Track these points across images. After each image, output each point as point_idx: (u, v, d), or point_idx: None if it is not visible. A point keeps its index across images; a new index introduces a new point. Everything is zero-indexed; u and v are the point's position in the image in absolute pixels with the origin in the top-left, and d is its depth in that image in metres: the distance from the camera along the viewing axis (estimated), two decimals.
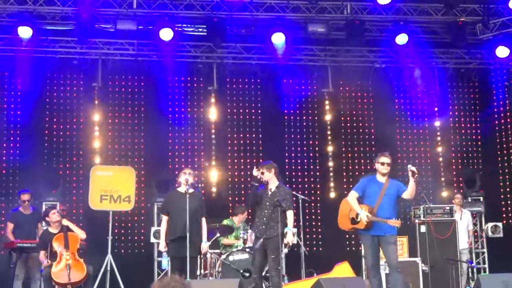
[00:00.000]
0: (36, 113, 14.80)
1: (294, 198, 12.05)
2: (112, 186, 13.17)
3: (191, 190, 10.11)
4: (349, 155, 16.04)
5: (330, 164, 15.91)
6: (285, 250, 11.48)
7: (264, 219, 9.98)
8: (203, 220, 10.28)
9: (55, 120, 15.09)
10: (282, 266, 12.85)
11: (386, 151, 10.19)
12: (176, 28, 14.20)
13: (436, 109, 16.16)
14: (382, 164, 9.77)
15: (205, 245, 10.21)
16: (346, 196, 10.16)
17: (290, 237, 10.15)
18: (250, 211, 12.40)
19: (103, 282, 12.40)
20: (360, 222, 9.66)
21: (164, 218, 10.29)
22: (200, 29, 14.93)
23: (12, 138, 14.78)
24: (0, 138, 14.73)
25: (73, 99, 15.24)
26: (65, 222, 10.92)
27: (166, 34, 13.94)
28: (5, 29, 14.10)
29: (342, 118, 16.19)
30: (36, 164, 14.30)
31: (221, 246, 12.42)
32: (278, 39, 14.20)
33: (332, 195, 15.75)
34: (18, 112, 14.86)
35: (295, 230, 10.65)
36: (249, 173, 10.70)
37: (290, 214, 10.09)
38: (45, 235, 11.10)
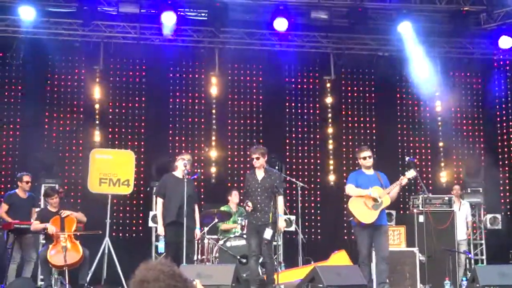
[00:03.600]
0: (36, 94, 14.78)
1: (294, 186, 12.07)
2: (112, 169, 13.13)
3: (187, 177, 10.24)
4: (350, 143, 15.99)
5: (330, 152, 15.89)
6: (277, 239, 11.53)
7: (258, 205, 9.95)
8: (196, 206, 10.48)
9: (55, 102, 15.07)
10: (280, 253, 12.93)
11: (365, 146, 10.58)
12: (179, 13, 14.13)
13: (437, 98, 16.09)
14: (365, 158, 9.99)
15: (198, 231, 10.44)
16: (346, 193, 10.35)
17: (283, 224, 10.19)
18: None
19: (100, 265, 12.40)
20: (384, 200, 9.77)
21: (160, 201, 10.42)
22: (203, 14, 14.87)
23: (12, 120, 14.78)
24: (0, 119, 14.71)
25: (74, 82, 15.21)
26: (64, 214, 10.95)
27: (168, 18, 13.89)
28: (8, 10, 14.05)
29: (344, 106, 16.15)
30: (36, 146, 14.28)
31: (219, 232, 12.42)
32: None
33: (331, 183, 15.73)
34: (19, 94, 14.84)
35: (285, 216, 10.68)
36: (248, 159, 10.64)
37: (281, 200, 10.09)
38: (45, 212, 11.15)
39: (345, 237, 15.28)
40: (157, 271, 3.44)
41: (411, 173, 9.95)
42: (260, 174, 10.09)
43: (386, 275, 9.77)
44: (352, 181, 10.01)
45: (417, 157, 15.36)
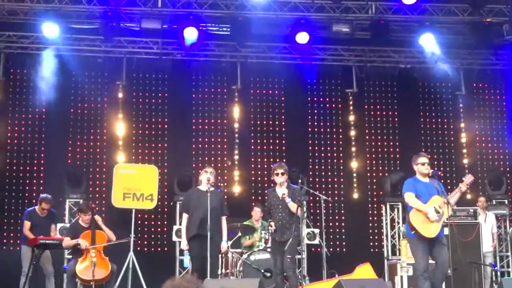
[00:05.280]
0: (60, 111, 14.92)
1: (318, 199, 12.04)
2: (135, 184, 13.21)
3: (212, 189, 10.10)
4: (373, 155, 15.95)
5: (354, 165, 15.82)
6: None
7: (280, 222, 9.94)
8: (224, 219, 10.27)
9: (79, 118, 15.19)
10: (304, 266, 12.88)
11: (423, 152, 9.95)
12: (201, 28, 14.21)
13: (461, 110, 16.01)
14: (423, 164, 9.48)
15: (224, 245, 10.19)
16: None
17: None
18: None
19: (125, 280, 12.45)
20: (445, 211, 9.27)
21: (185, 216, 10.27)
22: (224, 28, 14.93)
23: (37, 136, 14.92)
24: (25, 135, 14.86)
25: (98, 97, 15.34)
26: (97, 217, 11.01)
27: (190, 33, 13.97)
28: (32, 27, 14.21)
29: (367, 119, 16.11)
30: (61, 161, 14.40)
31: (242, 247, 12.40)
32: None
33: (355, 195, 15.69)
34: (43, 110, 14.97)
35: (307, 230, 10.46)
36: (272, 176, 10.61)
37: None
38: (76, 226, 11.22)
39: (371, 250, 15.22)
40: None
41: (469, 178, 9.67)
42: (280, 191, 10.07)
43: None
44: (411, 189, 9.41)
45: (441, 169, 15.20)
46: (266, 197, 10.40)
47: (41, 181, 14.57)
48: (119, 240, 11.34)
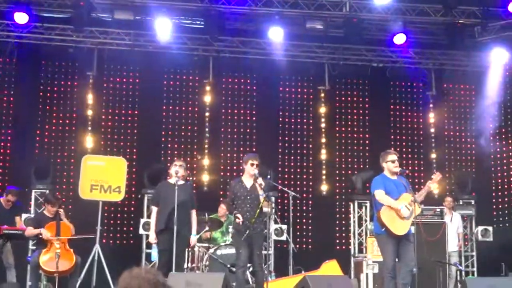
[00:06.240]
0: (29, 100, 14.77)
1: (286, 195, 12.02)
2: (103, 176, 13.09)
3: (181, 182, 10.04)
4: (343, 153, 16.01)
5: (323, 162, 15.87)
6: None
7: (247, 214, 9.78)
8: (193, 212, 10.21)
9: (48, 108, 15.05)
10: (270, 262, 12.87)
11: (392, 150, 9.90)
12: (173, 20, 14.13)
13: (431, 109, 16.13)
14: (393, 161, 9.40)
15: (193, 238, 10.16)
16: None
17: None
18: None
19: (90, 272, 12.33)
20: (415, 209, 9.18)
21: (154, 210, 10.20)
22: (198, 22, 14.87)
23: (3, 124, 14.74)
24: None
25: (67, 88, 15.19)
26: (61, 210, 10.89)
27: (163, 25, 13.89)
28: (2, 15, 14.03)
29: (337, 116, 16.16)
30: (28, 152, 14.24)
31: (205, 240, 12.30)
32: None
33: (324, 192, 15.73)
34: (12, 99, 14.81)
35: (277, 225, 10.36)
36: (241, 167, 10.51)
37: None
38: (41, 217, 11.07)
39: (337, 247, 15.28)
40: (141, 279, 3.40)
41: (437, 176, 9.67)
42: (248, 182, 9.87)
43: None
44: (381, 186, 9.31)
45: (410, 167, 15.31)
46: (229, 187, 10.15)
47: (6, 171, 14.39)
48: (85, 235, 11.22)
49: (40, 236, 10.64)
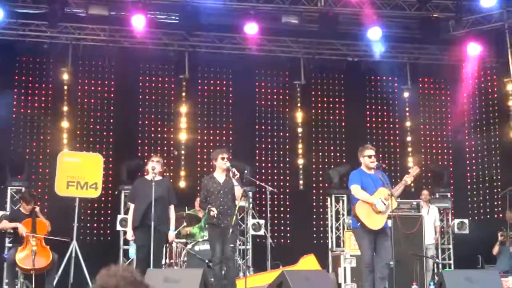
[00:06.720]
0: (3, 96, 14.56)
1: (263, 190, 12.01)
2: (80, 172, 13.01)
3: (158, 178, 10.01)
4: (319, 147, 16.05)
5: (300, 156, 15.90)
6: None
7: (220, 207, 9.77)
8: (171, 208, 10.18)
9: (22, 104, 14.90)
10: (248, 257, 12.87)
11: (369, 145, 9.88)
12: (149, 15, 14.07)
13: (407, 103, 16.22)
14: (370, 157, 9.43)
15: (172, 234, 10.15)
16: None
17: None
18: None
19: (67, 269, 12.26)
20: (392, 203, 9.19)
21: (132, 206, 10.18)
22: (173, 17, 14.82)
23: None
24: None
25: (42, 84, 15.08)
26: (37, 208, 10.83)
27: (138, 20, 13.82)
28: None
29: (314, 111, 16.18)
30: (3, 148, 14.11)
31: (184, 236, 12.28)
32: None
33: (301, 187, 15.77)
34: None
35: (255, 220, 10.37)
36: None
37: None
38: (17, 213, 11.01)
39: (315, 241, 15.31)
40: (118, 278, 3.38)
41: (415, 170, 9.65)
42: (221, 177, 9.86)
43: (386, 283, 9.30)
44: (357, 181, 9.35)
45: (386, 162, 15.42)
46: (201, 185, 10.11)
47: None
48: (60, 237, 11.14)
49: (16, 229, 10.57)
